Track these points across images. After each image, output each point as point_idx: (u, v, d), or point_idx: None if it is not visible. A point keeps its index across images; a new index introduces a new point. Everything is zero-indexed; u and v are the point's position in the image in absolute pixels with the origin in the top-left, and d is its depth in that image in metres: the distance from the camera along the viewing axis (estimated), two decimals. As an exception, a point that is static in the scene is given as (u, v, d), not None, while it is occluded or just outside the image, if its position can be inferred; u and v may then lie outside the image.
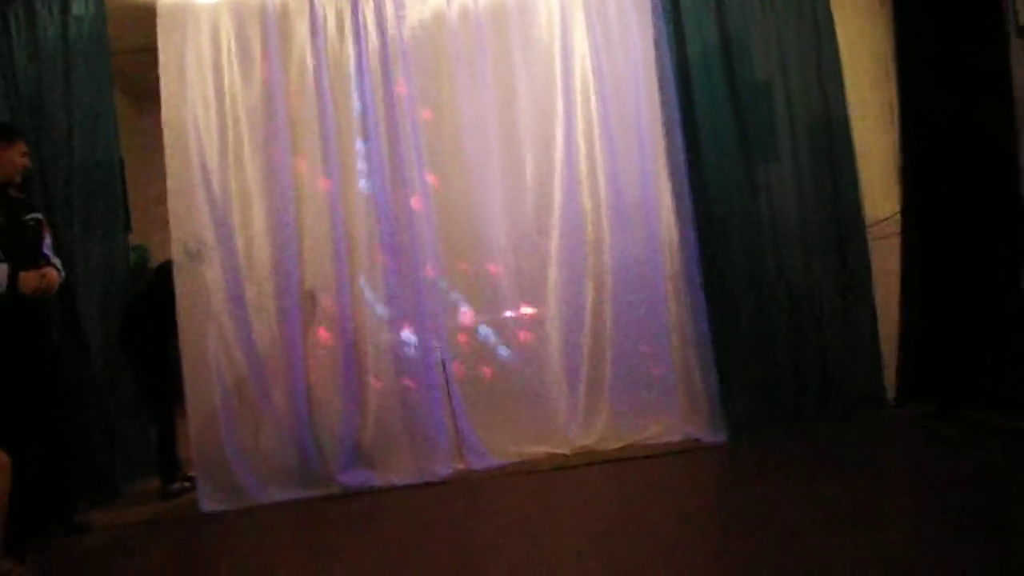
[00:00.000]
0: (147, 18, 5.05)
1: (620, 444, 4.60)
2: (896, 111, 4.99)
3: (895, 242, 4.96)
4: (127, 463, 4.81)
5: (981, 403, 4.50)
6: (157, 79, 4.52)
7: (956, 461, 3.87)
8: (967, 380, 4.61)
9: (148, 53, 4.87)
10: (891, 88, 5.03)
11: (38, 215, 4.07)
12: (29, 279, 3.82)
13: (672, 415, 4.68)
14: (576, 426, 4.67)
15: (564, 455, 4.56)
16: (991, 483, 3.43)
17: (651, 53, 4.71)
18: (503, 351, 4.67)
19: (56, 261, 4.06)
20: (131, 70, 5.06)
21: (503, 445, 4.60)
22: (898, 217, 4.98)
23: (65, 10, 4.62)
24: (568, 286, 4.73)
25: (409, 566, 3.22)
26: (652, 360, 4.70)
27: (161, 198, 4.68)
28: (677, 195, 4.68)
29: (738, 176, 4.86)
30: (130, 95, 5.19)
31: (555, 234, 4.73)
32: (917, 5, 4.90)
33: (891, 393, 4.94)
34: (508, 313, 4.75)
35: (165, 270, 4.64)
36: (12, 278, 3.77)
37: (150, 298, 4.72)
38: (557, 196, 4.76)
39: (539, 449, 4.60)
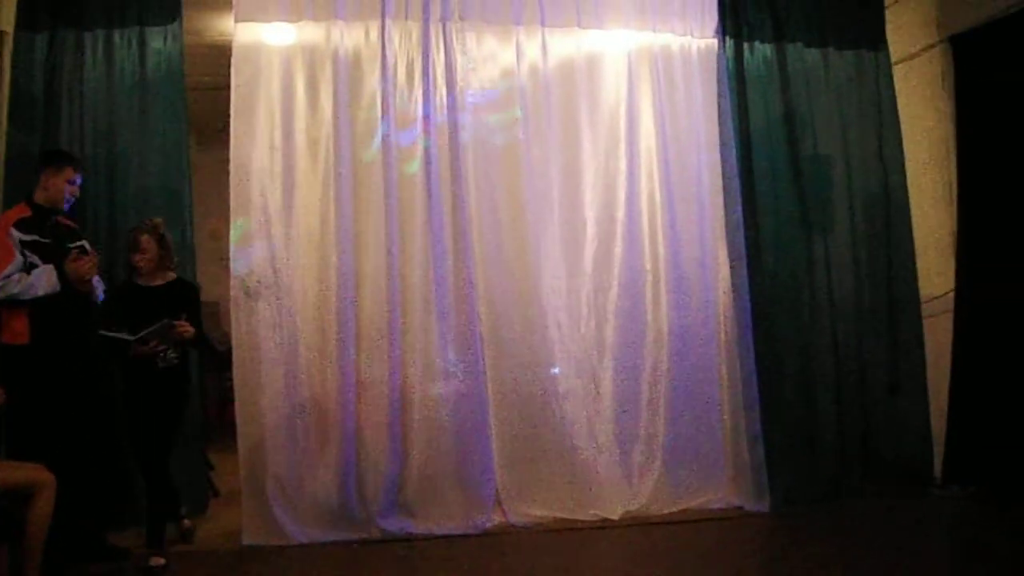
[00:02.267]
0: (214, 57, 5.13)
1: (666, 510, 4.56)
2: (955, 190, 5.00)
3: (948, 319, 4.94)
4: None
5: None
6: (217, 117, 4.55)
7: (988, 546, 3.90)
8: (1013, 463, 4.56)
9: (211, 91, 4.91)
10: (950, 167, 5.04)
11: (84, 243, 4.09)
12: (72, 265, 3.83)
13: (718, 482, 4.67)
14: (626, 490, 4.63)
15: (611, 520, 4.50)
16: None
17: (715, 121, 4.78)
18: (555, 409, 4.61)
19: (99, 285, 4.09)
20: (193, 106, 5.11)
21: (547, 503, 4.56)
22: (951, 295, 4.97)
23: (143, 43, 4.59)
24: (624, 347, 4.73)
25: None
26: (703, 426, 4.70)
27: (215, 234, 4.72)
28: (733, 262, 4.71)
29: (795, 247, 4.88)
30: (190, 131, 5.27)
31: (613, 294, 4.75)
32: (978, 86, 4.94)
33: (939, 471, 4.89)
34: (555, 370, 4.69)
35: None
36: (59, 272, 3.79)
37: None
38: (617, 255, 4.78)
39: (585, 511, 4.53)
